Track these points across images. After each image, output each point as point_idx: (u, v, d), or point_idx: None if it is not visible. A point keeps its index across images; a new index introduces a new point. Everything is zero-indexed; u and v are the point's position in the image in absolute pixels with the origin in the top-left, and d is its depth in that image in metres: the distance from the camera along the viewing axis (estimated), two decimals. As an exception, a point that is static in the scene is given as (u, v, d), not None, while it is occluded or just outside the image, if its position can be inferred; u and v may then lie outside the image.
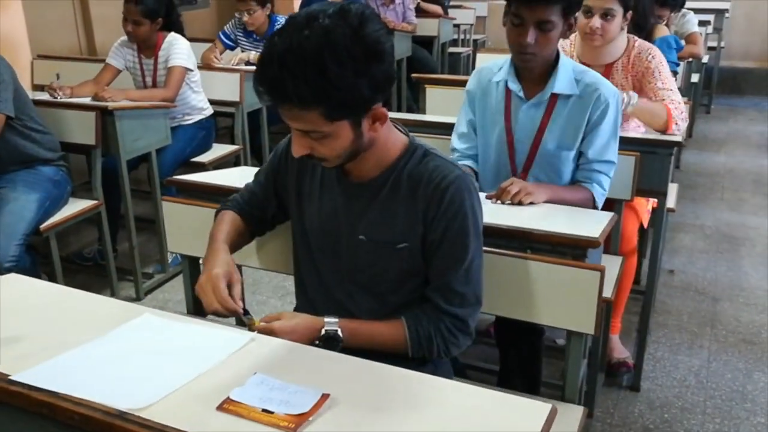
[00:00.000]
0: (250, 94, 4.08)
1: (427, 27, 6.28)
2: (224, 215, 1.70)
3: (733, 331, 3.05)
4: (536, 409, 1.16)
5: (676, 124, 2.49)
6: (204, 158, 3.79)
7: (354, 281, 1.57)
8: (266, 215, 1.72)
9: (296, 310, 1.69)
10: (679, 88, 2.75)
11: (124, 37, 3.66)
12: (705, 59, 5.75)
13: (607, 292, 2.01)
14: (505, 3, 2.03)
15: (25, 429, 1.23)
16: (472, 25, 7.53)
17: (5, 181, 2.85)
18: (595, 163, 2.12)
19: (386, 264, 1.53)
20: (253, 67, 4.54)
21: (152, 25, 3.53)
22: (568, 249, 1.72)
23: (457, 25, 7.13)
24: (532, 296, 1.70)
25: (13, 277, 1.67)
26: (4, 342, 1.33)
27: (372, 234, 1.52)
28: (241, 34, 4.61)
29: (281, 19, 4.51)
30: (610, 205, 2.30)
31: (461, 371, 1.87)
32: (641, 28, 3.19)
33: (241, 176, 2.40)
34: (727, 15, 7.11)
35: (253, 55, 4.42)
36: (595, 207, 2.14)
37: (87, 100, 3.32)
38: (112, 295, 3.25)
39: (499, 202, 1.98)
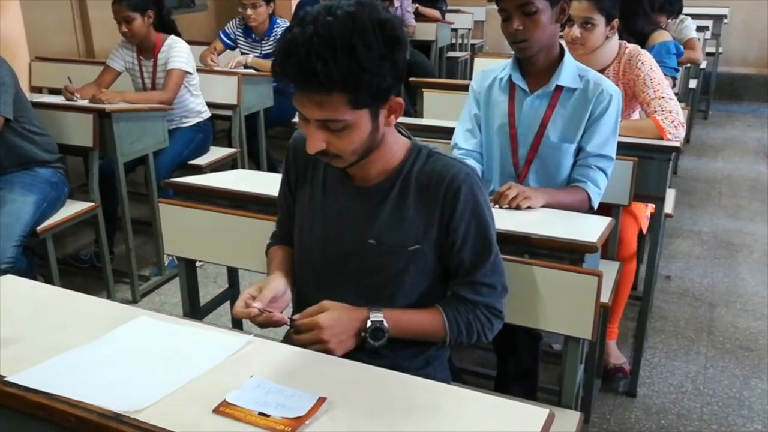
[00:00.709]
0: (248, 97, 4.09)
1: (425, 31, 6.29)
2: (270, 253, 1.73)
3: (730, 338, 3.05)
4: (534, 414, 1.16)
5: (670, 132, 2.49)
6: (201, 161, 3.78)
7: (361, 286, 1.55)
8: None
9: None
10: (676, 94, 2.75)
11: (124, 39, 3.66)
12: (703, 65, 5.76)
13: (604, 298, 2.01)
14: None
15: (20, 431, 1.22)
16: (469, 29, 7.53)
17: (2, 183, 2.84)
18: (593, 158, 2.13)
19: (397, 267, 1.52)
20: (251, 71, 4.50)
21: (144, 19, 3.51)
22: (566, 254, 1.72)
23: (454, 30, 7.13)
24: (530, 301, 1.70)
25: (10, 279, 1.67)
26: (0, 343, 1.32)
27: (383, 238, 1.51)
28: (240, 34, 4.61)
29: (281, 21, 4.52)
30: (607, 210, 2.30)
31: (458, 376, 1.86)
32: (635, 33, 3.20)
33: (238, 179, 2.41)
34: (725, 21, 7.13)
35: (251, 58, 4.42)
36: (591, 207, 2.15)
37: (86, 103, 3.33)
38: (108, 297, 3.24)
39: (497, 206, 1.98)
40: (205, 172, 3.61)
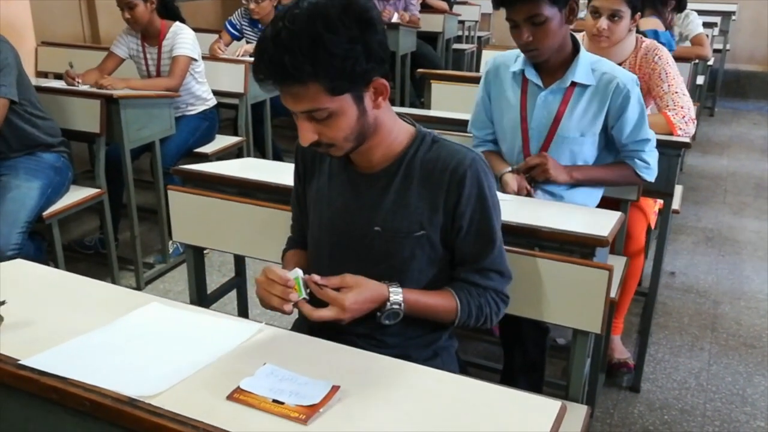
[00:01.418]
0: (254, 85, 4.01)
1: (432, 23, 6.27)
2: (285, 257, 1.73)
3: (734, 335, 3.06)
4: (546, 406, 1.16)
5: (681, 128, 2.49)
6: (207, 149, 3.77)
7: (370, 273, 1.55)
8: None
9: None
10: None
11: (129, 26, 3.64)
12: (710, 62, 5.74)
13: (612, 292, 2.01)
14: None
15: (34, 414, 1.22)
16: (477, 21, 7.52)
17: (7, 169, 2.83)
18: (631, 144, 2.15)
19: (404, 254, 1.52)
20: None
21: (146, 5, 3.49)
22: (577, 247, 1.72)
23: (461, 22, 7.12)
24: (539, 294, 1.70)
25: (20, 263, 1.67)
26: (12, 327, 1.32)
27: (388, 224, 1.51)
28: (246, 24, 4.59)
29: (287, 12, 4.50)
30: (616, 205, 2.30)
31: (463, 368, 1.86)
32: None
33: (245, 167, 2.41)
34: (733, 17, 7.10)
35: (258, 46, 4.40)
36: (640, 180, 2.21)
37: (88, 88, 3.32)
38: (113, 284, 3.24)
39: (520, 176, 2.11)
40: (211, 160, 3.60)
